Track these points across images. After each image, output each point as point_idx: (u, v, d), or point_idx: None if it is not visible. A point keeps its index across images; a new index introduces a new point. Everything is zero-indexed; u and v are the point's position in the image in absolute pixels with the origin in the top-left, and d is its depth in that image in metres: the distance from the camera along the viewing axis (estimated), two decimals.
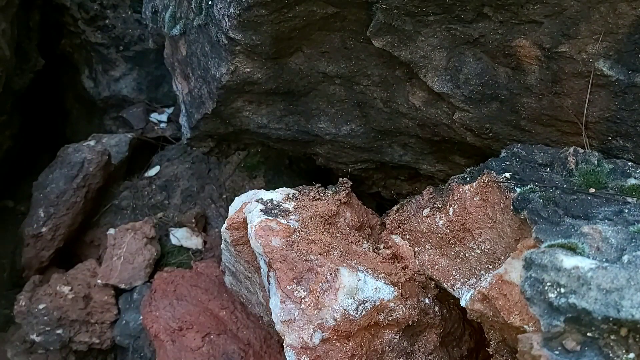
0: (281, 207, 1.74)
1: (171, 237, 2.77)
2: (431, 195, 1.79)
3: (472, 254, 1.60)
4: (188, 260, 2.68)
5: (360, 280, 1.53)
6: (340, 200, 1.84)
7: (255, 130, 2.22)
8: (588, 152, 1.51)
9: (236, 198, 1.93)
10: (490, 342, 1.48)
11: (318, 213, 1.74)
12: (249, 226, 1.69)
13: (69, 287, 2.54)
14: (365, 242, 1.81)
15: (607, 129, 1.52)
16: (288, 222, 1.66)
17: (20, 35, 3.13)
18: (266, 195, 1.79)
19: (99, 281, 2.57)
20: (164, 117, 3.63)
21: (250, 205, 1.77)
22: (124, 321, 2.52)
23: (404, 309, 1.58)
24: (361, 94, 1.93)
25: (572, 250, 1.16)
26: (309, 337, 1.48)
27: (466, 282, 1.59)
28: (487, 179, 1.54)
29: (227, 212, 1.93)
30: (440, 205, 1.71)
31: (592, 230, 1.21)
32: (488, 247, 1.55)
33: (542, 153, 1.58)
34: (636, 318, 1.00)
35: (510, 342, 1.36)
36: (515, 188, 1.44)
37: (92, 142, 2.99)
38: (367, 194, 2.65)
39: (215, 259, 2.61)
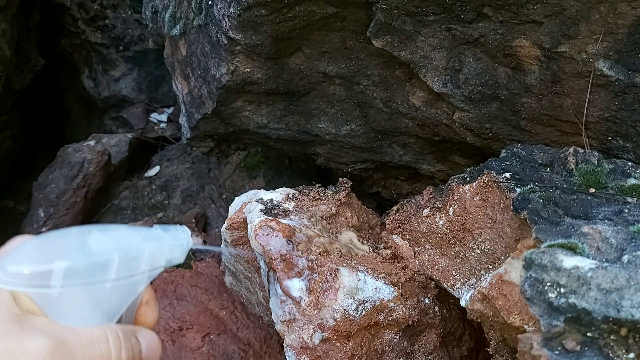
0: (281, 207, 1.74)
1: None
2: (431, 195, 1.79)
3: (472, 254, 1.59)
4: (188, 260, 2.67)
5: (360, 280, 1.53)
6: (340, 200, 1.83)
7: (255, 130, 2.22)
8: (588, 152, 1.50)
9: (236, 198, 1.93)
10: (490, 342, 1.48)
11: (318, 213, 1.74)
12: (249, 226, 1.69)
13: None
14: (365, 242, 1.81)
15: (607, 129, 1.51)
16: (288, 222, 1.65)
17: (20, 35, 3.13)
18: (266, 195, 1.78)
19: None
20: (164, 117, 3.63)
21: (250, 205, 1.76)
22: None
23: (404, 309, 1.58)
24: (361, 94, 1.93)
25: (572, 250, 1.16)
26: (309, 337, 1.48)
27: (466, 282, 1.59)
28: (487, 179, 1.54)
29: (227, 212, 1.93)
30: (440, 205, 1.71)
31: (592, 230, 1.20)
32: (488, 247, 1.55)
33: (542, 153, 1.58)
34: (636, 318, 1.00)
35: (510, 342, 1.36)
36: (515, 188, 1.44)
37: (92, 142, 2.99)
38: (367, 194, 2.65)
39: (215, 259, 2.61)
